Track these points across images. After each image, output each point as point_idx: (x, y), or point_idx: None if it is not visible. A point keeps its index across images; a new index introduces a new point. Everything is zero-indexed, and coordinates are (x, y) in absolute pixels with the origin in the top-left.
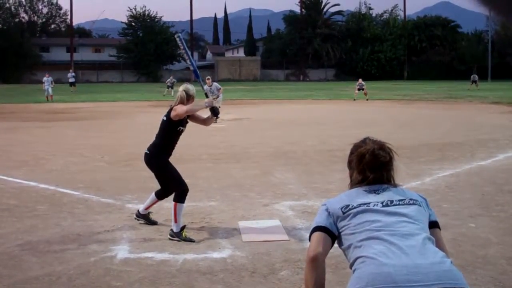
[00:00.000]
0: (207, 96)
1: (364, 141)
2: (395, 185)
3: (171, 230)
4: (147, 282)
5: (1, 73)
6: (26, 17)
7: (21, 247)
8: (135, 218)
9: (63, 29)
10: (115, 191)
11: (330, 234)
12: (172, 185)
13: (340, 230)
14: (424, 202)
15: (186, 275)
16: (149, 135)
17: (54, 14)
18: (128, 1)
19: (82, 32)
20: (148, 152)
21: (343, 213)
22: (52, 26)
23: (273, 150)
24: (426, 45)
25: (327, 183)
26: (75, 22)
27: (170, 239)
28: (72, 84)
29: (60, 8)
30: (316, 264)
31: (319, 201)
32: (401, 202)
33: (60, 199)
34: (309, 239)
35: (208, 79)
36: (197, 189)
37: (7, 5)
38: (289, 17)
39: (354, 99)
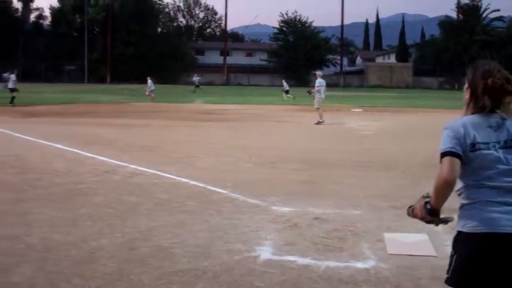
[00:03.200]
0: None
1: (489, 65)
2: (508, 115)
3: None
4: (289, 285)
5: (158, 74)
6: (184, 22)
7: (170, 240)
8: None
9: (217, 33)
10: (261, 192)
11: (461, 160)
12: None
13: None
14: None
15: (327, 282)
16: (295, 138)
17: (210, 18)
18: (281, 6)
19: (235, 37)
20: None
21: (470, 151)
22: (208, 30)
23: (423, 160)
24: None
25: None
26: (229, 27)
27: None
28: (197, 86)
29: (216, 13)
30: (451, 187)
31: None
32: None
33: (209, 197)
34: (440, 161)
35: (320, 74)
36: (341, 196)
37: (167, 9)
38: (445, 23)
39: None
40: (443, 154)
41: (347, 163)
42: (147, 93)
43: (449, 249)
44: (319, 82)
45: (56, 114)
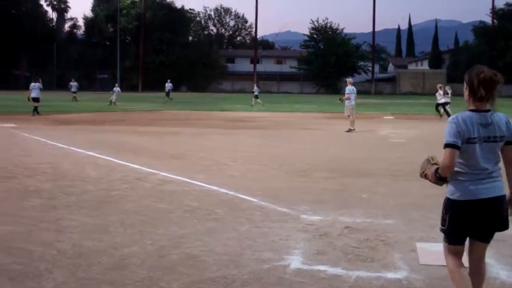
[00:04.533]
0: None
1: (481, 67)
2: (494, 109)
3: None
4: None
5: (190, 82)
6: (215, 30)
7: (200, 248)
8: None
9: (248, 41)
10: (291, 201)
11: (460, 150)
12: None
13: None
14: (507, 129)
15: None
16: (326, 146)
17: (240, 27)
18: (311, 13)
19: (266, 44)
20: None
21: (465, 143)
22: (238, 38)
23: None
24: None
25: None
26: (259, 35)
27: None
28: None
29: (246, 21)
30: (451, 170)
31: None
32: (495, 139)
33: (239, 205)
34: (445, 147)
35: (350, 81)
36: (373, 205)
37: (198, 18)
38: (479, 28)
39: None
40: (448, 145)
41: (378, 172)
42: (115, 102)
43: None
44: (349, 89)
45: (89, 121)
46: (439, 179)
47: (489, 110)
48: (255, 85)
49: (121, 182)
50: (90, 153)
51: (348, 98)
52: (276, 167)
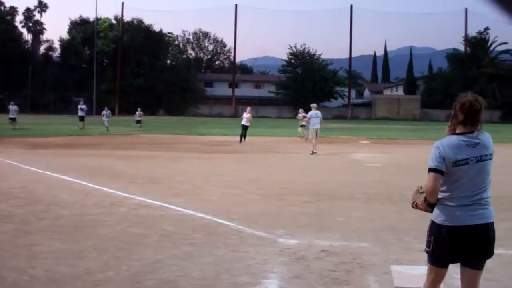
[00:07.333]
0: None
1: (466, 94)
2: (480, 130)
3: None
4: None
5: (167, 106)
6: (193, 54)
7: (176, 273)
8: None
9: (226, 65)
10: (267, 225)
11: (443, 174)
12: None
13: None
14: (492, 146)
15: None
16: (303, 170)
17: (219, 51)
18: (289, 39)
19: (244, 69)
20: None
21: (452, 166)
22: (217, 62)
23: None
24: None
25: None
26: (238, 59)
27: None
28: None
29: (225, 46)
30: (435, 194)
31: None
32: (486, 158)
33: (216, 229)
34: (428, 172)
35: (314, 106)
36: (349, 229)
37: (176, 42)
38: (453, 56)
39: None
40: (430, 170)
41: (354, 196)
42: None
43: (456, 282)
44: (310, 113)
45: (64, 145)
46: (429, 206)
47: (473, 131)
48: (138, 109)
49: (96, 207)
50: (65, 177)
51: (307, 121)
52: (253, 191)
